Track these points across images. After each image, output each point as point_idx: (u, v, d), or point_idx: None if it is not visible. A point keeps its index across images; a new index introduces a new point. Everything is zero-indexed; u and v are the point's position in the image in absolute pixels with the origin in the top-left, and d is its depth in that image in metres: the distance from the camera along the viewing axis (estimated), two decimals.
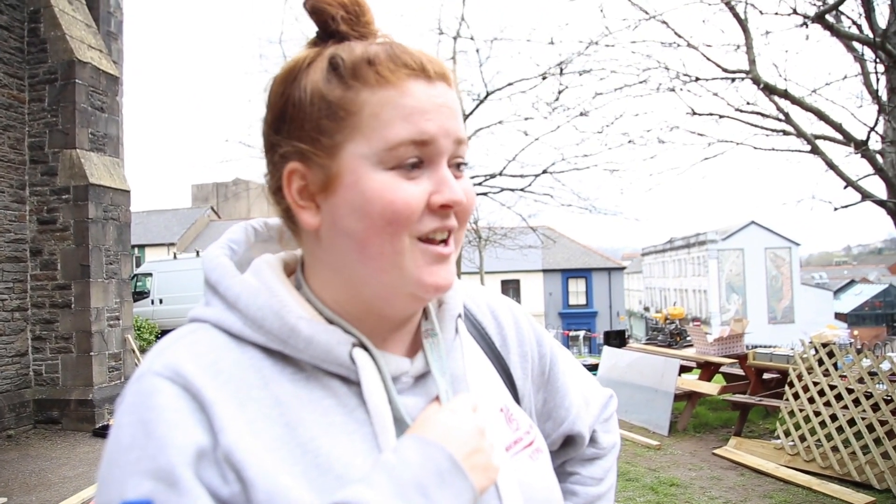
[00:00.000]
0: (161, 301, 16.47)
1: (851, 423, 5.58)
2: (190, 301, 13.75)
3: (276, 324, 0.67)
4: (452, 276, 0.71)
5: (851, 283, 71.85)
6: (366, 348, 0.71)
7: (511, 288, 37.38)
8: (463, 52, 14.54)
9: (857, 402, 5.61)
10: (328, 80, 0.68)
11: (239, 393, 0.64)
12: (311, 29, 0.73)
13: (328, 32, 0.70)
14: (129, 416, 0.62)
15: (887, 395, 5.39)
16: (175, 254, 19.70)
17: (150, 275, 17.21)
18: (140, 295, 16.30)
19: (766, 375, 7.64)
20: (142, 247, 32.77)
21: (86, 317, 7.85)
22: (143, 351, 9.89)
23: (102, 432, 7.49)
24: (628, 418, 7.73)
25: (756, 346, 8.66)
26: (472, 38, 13.72)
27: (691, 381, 7.94)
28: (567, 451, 0.99)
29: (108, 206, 8.21)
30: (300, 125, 0.69)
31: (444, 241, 0.70)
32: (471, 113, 15.19)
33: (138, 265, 19.65)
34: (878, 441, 5.36)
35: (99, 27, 8.74)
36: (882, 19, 7.54)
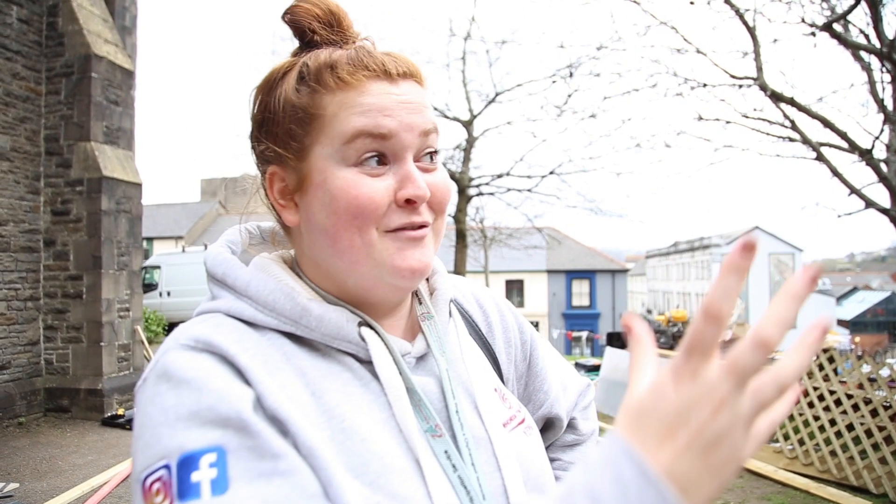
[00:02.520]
0: (169, 293, 16.60)
1: (850, 428, 5.66)
2: (197, 294, 13.87)
3: (288, 305, 0.71)
4: (428, 258, 0.74)
5: (854, 290, 71.64)
6: (371, 327, 0.74)
7: (515, 288, 37.42)
8: (473, 53, 14.61)
9: (855, 407, 5.69)
10: (297, 89, 0.73)
11: (267, 364, 0.66)
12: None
13: (306, 42, 0.76)
14: (166, 383, 0.62)
15: (886, 402, 5.47)
16: (183, 247, 19.84)
17: (159, 267, 17.34)
18: (148, 287, 16.42)
19: None
20: (150, 240, 32.87)
21: (97, 307, 7.96)
22: (151, 342, 9.99)
23: (111, 421, 7.59)
24: None
25: None
26: (482, 40, 13.78)
27: None
28: (547, 435, 1.02)
29: (120, 198, 8.32)
30: (275, 131, 0.74)
31: (415, 230, 0.73)
32: (479, 113, 15.26)
33: (146, 258, 19.77)
34: (875, 446, 5.44)
35: (114, 21, 8.84)
36: (890, 29, 7.60)
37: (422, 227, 0.73)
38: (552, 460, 1.02)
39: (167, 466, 0.57)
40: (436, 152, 0.76)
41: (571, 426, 1.06)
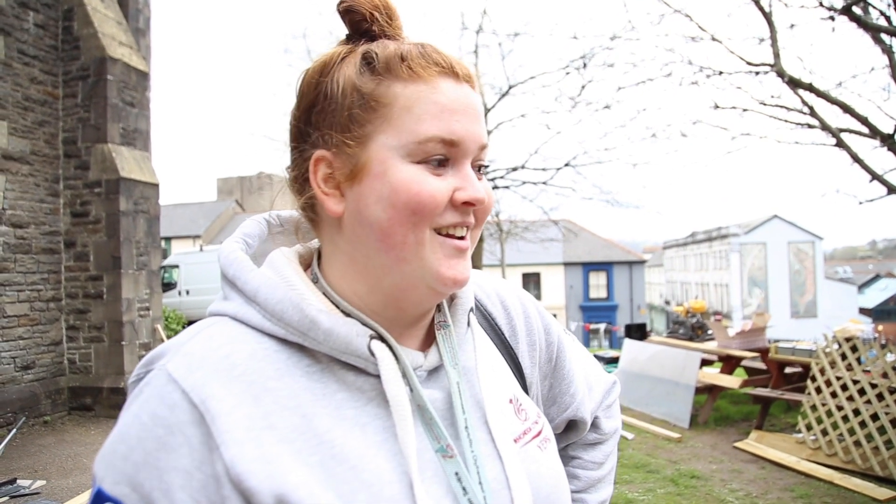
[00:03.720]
0: (188, 292, 16.75)
1: (874, 417, 5.58)
2: (215, 292, 13.74)
3: (296, 316, 0.68)
4: (469, 271, 0.74)
5: (876, 277, 70.58)
6: (383, 340, 0.72)
7: (532, 281, 37.34)
8: (485, 47, 14.57)
9: (880, 396, 5.61)
10: (361, 73, 0.71)
11: (254, 386, 0.65)
12: (336, 24, 0.77)
13: (360, 32, 0.74)
14: (136, 406, 0.65)
15: None
16: (201, 246, 20.01)
17: (177, 266, 17.49)
18: (167, 286, 16.57)
19: (788, 369, 7.63)
20: (168, 239, 33.23)
21: (117, 307, 8.05)
22: None
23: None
24: (649, 411, 7.78)
25: (778, 340, 8.64)
26: (494, 33, 13.73)
27: (712, 375, 7.96)
28: (569, 435, 1.02)
29: (138, 199, 8.39)
30: (332, 115, 0.72)
31: (462, 237, 0.73)
32: (493, 106, 15.22)
33: (165, 257, 19.97)
34: None
35: (128, 24, 8.91)
36: None
37: (466, 234, 0.73)
38: (572, 458, 1.03)
39: (94, 481, 0.64)
40: (485, 166, 0.76)
41: (594, 425, 1.05)
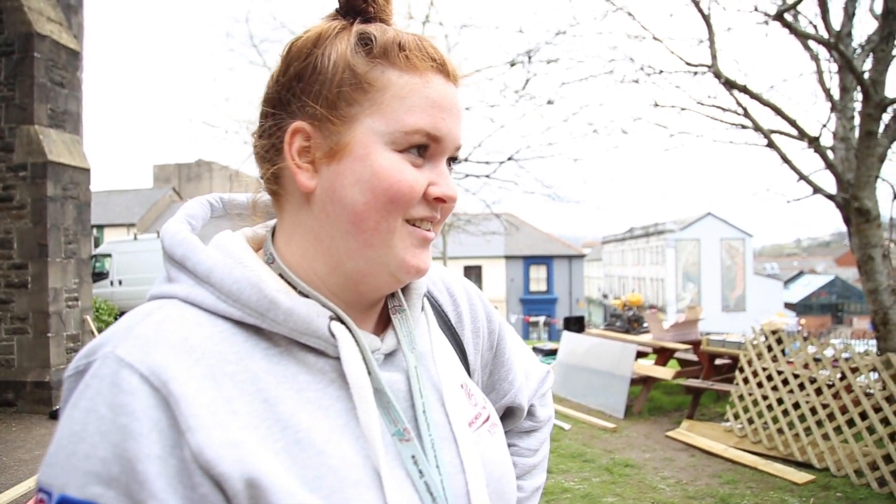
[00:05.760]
0: (121, 282, 16.15)
1: (796, 406, 5.86)
2: (150, 283, 13.22)
3: (255, 296, 0.66)
4: (430, 261, 0.75)
5: (800, 274, 74.27)
6: (342, 322, 0.71)
7: (473, 274, 37.59)
8: (431, 38, 14.51)
9: (802, 386, 5.89)
10: (356, 53, 0.70)
11: (214, 370, 0.62)
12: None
13: (354, 10, 0.73)
14: (85, 399, 0.59)
15: (829, 381, 5.67)
16: (135, 234, 19.31)
17: (110, 255, 16.85)
18: (98, 276, 15.96)
19: (718, 361, 7.92)
20: (101, 227, 32.01)
21: (43, 297, 7.69)
22: (101, 332, 9.71)
23: (60, 415, 7.38)
24: (586, 402, 7.94)
25: (709, 333, 8.95)
26: (441, 24, 13.68)
27: (647, 366, 8.19)
28: (506, 422, 1.03)
29: (67, 184, 8.03)
30: (319, 89, 0.70)
31: (428, 229, 0.73)
32: None
33: (96, 246, 19.18)
34: (819, 423, 5.65)
35: None
36: (836, 20, 7.80)
37: (430, 229, 0.73)
38: (510, 445, 1.03)
39: (49, 494, 0.58)
40: (455, 161, 0.77)
41: (530, 413, 1.07)
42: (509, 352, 1.00)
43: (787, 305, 52.79)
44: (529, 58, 10.13)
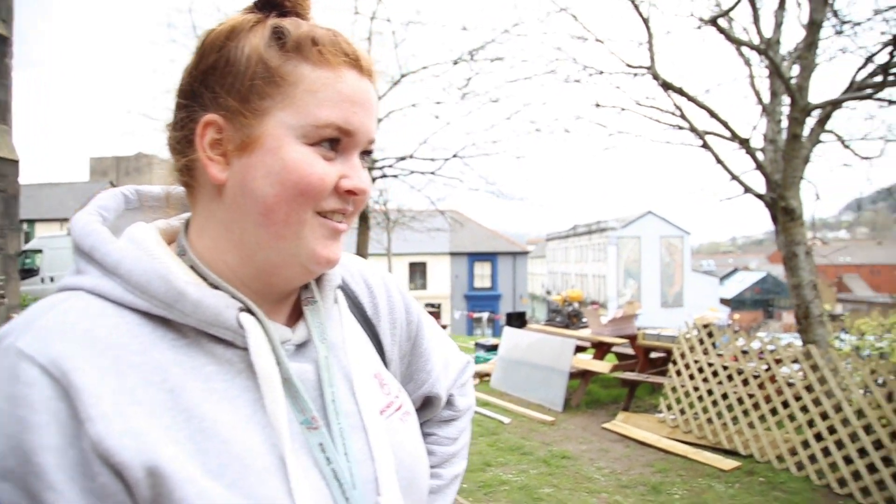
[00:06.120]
0: (52, 279, 15.51)
1: (725, 396, 6.10)
2: None
3: (163, 288, 0.67)
4: (341, 252, 0.77)
5: (735, 270, 77.08)
6: (252, 314, 0.72)
7: (418, 270, 37.61)
8: (379, 34, 14.41)
9: (730, 377, 6.14)
10: (269, 47, 0.71)
11: (118, 361, 0.63)
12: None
13: (270, 3, 0.74)
14: None
15: (755, 372, 5.93)
16: (69, 230, 18.57)
17: (41, 251, 16.18)
18: (28, 272, 15.30)
19: (653, 354, 8.17)
20: (31, 222, 30.61)
21: None
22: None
23: None
24: (526, 396, 8.07)
25: (645, 328, 9.22)
26: (388, 20, 13.61)
27: (585, 361, 8.38)
28: (425, 412, 1.05)
29: None
30: (231, 81, 0.71)
31: (340, 221, 0.74)
32: (384, 95, 15.12)
33: (27, 241, 18.36)
34: (745, 412, 5.91)
35: None
36: (767, 27, 8.12)
37: (342, 221, 0.75)
38: (428, 435, 1.06)
39: None
40: (369, 154, 0.78)
41: (449, 402, 1.09)
42: (427, 343, 1.02)
43: (723, 301, 54.67)
44: (472, 56, 10.20)
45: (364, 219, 15.36)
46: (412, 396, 0.99)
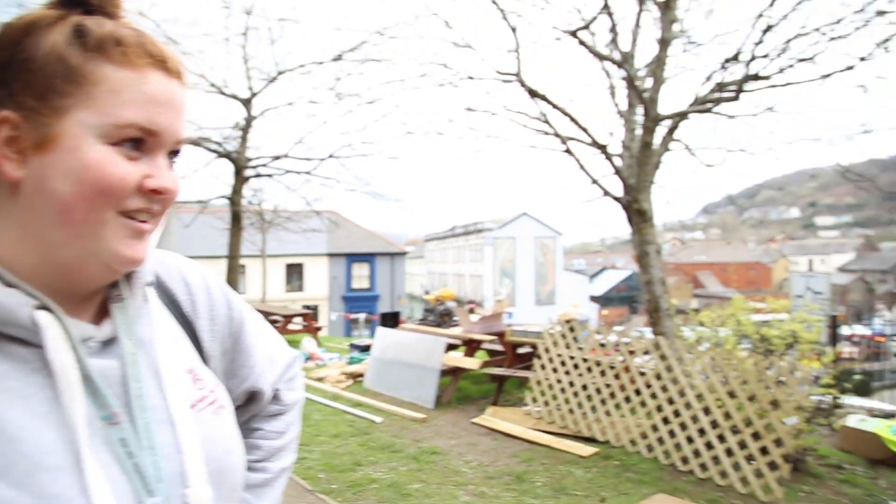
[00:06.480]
0: None
1: (585, 387, 6.47)
2: None
3: None
4: (146, 251, 0.76)
5: (603, 269, 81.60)
6: (50, 311, 0.71)
7: (295, 272, 36.81)
8: (255, 30, 13.99)
9: (590, 369, 6.52)
10: (70, 45, 0.69)
11: None
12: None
13: (74, 1, 0.73)
14: None
15: (612, 363, 6.34)
16: None
17: None
18: None
19: (521, 350, 8.50)
20: None
21: None
22: None
23: None
24: (399, 395, 8.14)
25: (515, 324, 9.57)
26: (265, 16, 13.27)
27: (456, 358, 8.57)
28: (250, 407, 1.06)
29: None
30: (28, 78, 0.69)
31: (144, 220, 0.74)
32: (259, 92, 14.69)
33: None
34: (603, 402, 6.30)
35: None
36: (625, 42, 8.69)
37: (146, 221, 0.74)
38: (255, 430, 1.07)
39: None
40: (177, 154, 0.78)
41: (276, 397, 1.10)
42: (251, 338, 1.03)
43: (592, 298, 57.63)
44: (340, 56, 10.17)
45: (237, 219, 14.86)
46: (235, 392, 1.00)
